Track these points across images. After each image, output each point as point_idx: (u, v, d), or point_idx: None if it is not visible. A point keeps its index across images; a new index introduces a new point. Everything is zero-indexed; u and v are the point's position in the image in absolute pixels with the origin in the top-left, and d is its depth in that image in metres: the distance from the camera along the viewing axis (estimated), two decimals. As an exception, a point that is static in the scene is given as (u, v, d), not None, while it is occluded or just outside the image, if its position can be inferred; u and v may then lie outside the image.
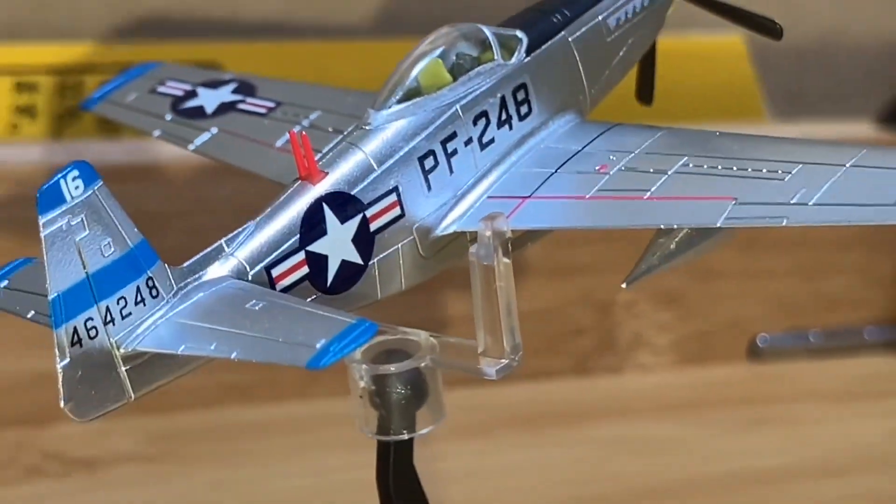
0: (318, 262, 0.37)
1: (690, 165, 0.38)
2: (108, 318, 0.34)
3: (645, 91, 0.47)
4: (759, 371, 0.71)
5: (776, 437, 0.64)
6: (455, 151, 0.39)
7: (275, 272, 0.36)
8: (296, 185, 0.37)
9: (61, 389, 0.33)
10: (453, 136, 0.39)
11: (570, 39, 0.42)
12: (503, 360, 0.37)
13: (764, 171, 0.37)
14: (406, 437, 0.39)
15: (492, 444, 0.61)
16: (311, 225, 0.36)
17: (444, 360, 0.39)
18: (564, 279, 0.68)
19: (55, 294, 0.33)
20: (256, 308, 0.35)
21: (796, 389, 0.69)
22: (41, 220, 0.32)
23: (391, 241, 0.38)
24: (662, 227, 0.38)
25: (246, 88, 0.46)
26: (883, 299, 0.71)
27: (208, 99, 0.46)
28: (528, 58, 0.41)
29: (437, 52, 0.40)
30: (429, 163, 0.39)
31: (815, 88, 0.79)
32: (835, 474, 0.60)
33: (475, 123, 0.40)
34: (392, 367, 0.38)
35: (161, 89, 0.47)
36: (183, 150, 0.45)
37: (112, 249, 0.34)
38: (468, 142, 0.39)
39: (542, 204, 0.38)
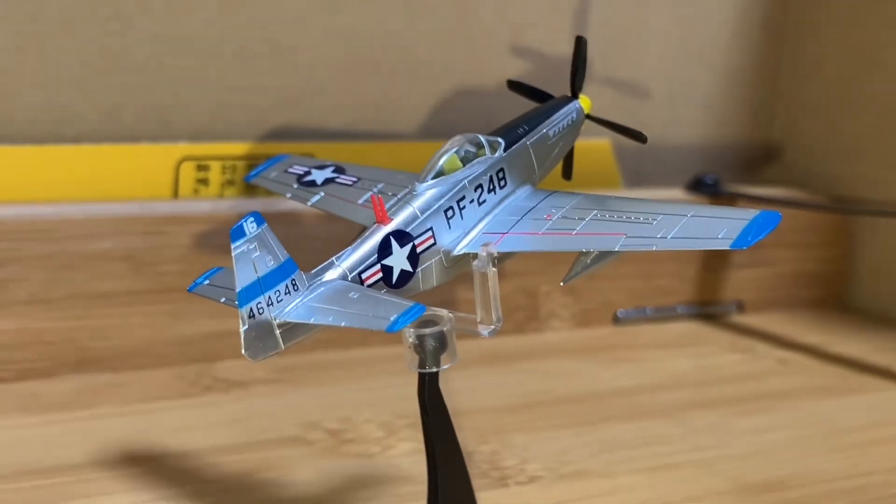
0: (387, 270, 0.45)
1: (598, 215, 0.47)
2: (270, 302, 0.41)
3: (567, 172, 0.57)
4: (619, 331, 0.86)
5: (628, 369, 0.77)
6: (464, 206, 0.48)
7: (364, 276, 0.45)
8: (374, 226, 0.46)
9: (243, 343, 0.41)
10: (463, 198, 0.48)
11: (528, 143, 0.52)
12: (492, 326, 0.47)
13: (641, 218, 0.46)
14: (435, 370, 0.47)
15: (468, 374, 0.67)
16: (384, 248, 0.45)
17: (457, 326, 0.47)
18: (510, 279, 0.81)
19: (240, 288, 0.41)
20: (354, 297, 0.43)
21: (640, 342, 0.83)
22: (233, 245, 0.40)
23: (428, 258, 0.47)
24: (583, 250, 0.48)
25: (339, 169, 0.55)
26: (689, 290, 0.89)
27: (318, 175, 0.55)
28: (505, 153, 0.50)
29: (454, 149, 0.49)
30: (449, 213, 0.48)
31: (649, 169, 0.94)
32: (662, 390, 0.73)
33: (475, 190, 0.49)
34: (427, 330, 0.46)
35: (290, 170, 0.56)
36: (304, 205, 0.54)
37: (272, 262, 0.41)
38: (471, 201, 0.49)
39: (514, 237, 0.47)
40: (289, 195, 0.54)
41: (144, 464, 0.58)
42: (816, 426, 0.68)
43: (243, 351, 0.41)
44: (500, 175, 0.50)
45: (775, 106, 0.99)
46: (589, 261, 0.49)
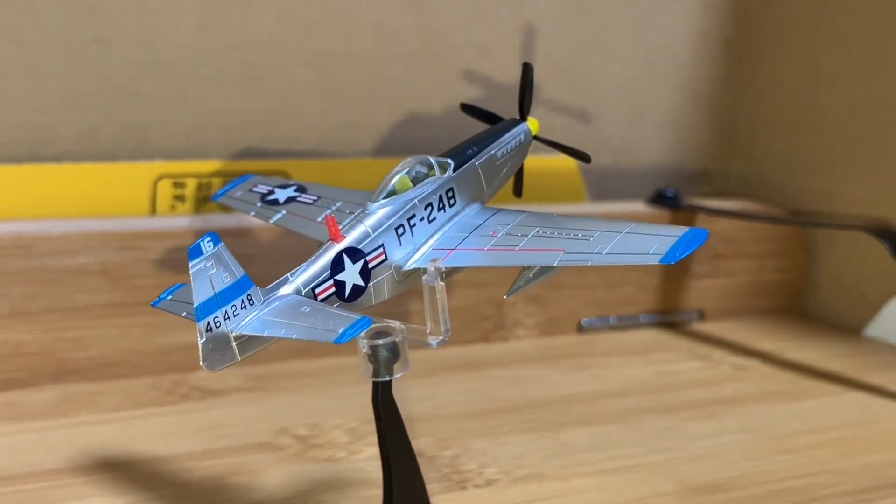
0: (340, 285, 0.47)
1: (541, 231, 0.48)
2: (226, 316, 0.43)
3: (517, 189, 0.58)
4: (583, 339, 0.87)
5: (591, 375, 0.79)
6: (414, 224, 0.50)
7: (317, 290, 0.46)
8: (328, 243, 0.47)
9: (200, 355, 0.42)
10: (413, 216, 0.50)
11: (476, 164, 0.53)
12: (441, 337, 0.48)
13: (579, 235, 0.47)
14: (388, 378, 0.48)
15: (435, 381, 0.75)
16: (336, 265, 0.47)
17: (408, 337, 0.48)
18: (478, 289, 0.83)
19: (198, 303, 0.42)
20: (306, 311, 0.44)
21: (602, 349, 0.85)
22: (190, 263, 0.42)
23: (380, 273, 0.48)
24: (525, 265, 0.49)
25: (301, 189, 0.56)
26: (650, 300, 0.91)
27: (281, 194, 0.56)
28: (454, 174, 0.52)
29: (405, 170, 0.51)
30: (400, 231, 0.49)
31: (613, 185, 0.96)
32: (622, 395, 0.74)
33: (425, 209, 0.50)
34: (380, 341, 0.47)
35: (254, 189, 0.57)
36: (266, 223, 0.56)
37: (228, 279, 0.43)
38: (422, 219, 0.50)
39: (462, 252, 0.49)
40: (252, 213, 0.56)
41: (118, 469, 0.60)
42: (765, 430, 0.70)
43: (201, 362, 0.42)
44: (450, 194, 0.51)
45: (736, 123, 1.02)
46: (532, 275, 0.51)
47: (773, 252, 0.96)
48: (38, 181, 0.73)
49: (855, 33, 0.92)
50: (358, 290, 0.47)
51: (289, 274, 0.46)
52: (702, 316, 0.93)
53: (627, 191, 0.96)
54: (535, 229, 0.49)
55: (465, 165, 0.52)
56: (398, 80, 0.86)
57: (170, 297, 0.47)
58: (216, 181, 0.79)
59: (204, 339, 0.42)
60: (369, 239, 0.48)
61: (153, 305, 0.47)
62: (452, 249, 0.49)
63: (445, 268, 0.48)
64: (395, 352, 0.47)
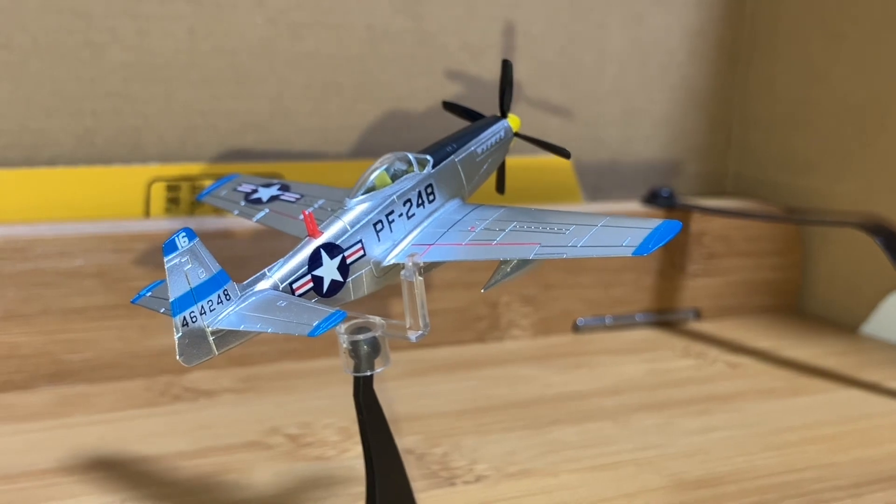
0: (318, 281, 0.47)
1: (518, 226, 0.48)
2: (202, 311, 0.43)
3: (500, 186, 0.58)
4: (578, 339, 0.87)
5: (586, 374, 0.78)
6: (393, 220, 0.49)
7: (295, 286, 0.46)
8: (306, 239, 0.47)
9: (177, 349, 0.42)
10: (392, 212, 0.49)
11: (456, 160, 0.53)
12: (420, 331, 0.48)
13: (555, 228, 0.47)
14: (369, 373, 0.48)
15: (427, 381, 0.75)
16: (314, 260, 0.47)
17: (388, 332, 0.48)
18: (472, 290, 0.83)
19: (173, 298, 0.42)
20: (282, 305, 0.44)
21: (597, 349, 0.84)
22: (165, 258, 0.42)
23: (358, 268, 0.48)
24: (502, 259, 0.50)
25: (284, 187, 0.56)
26: (646, 299, 0.90)
27: (264, 193, 0.56)
28: (434, 170, 0.52)
29: (384, 166, 0.51)
30: (378, 226, 0.49)
31: (608, 184, 0.96)
32: (616, 393, 0.74)
33: (404, 205, 0.50)
34: (361, 336, 0.47)
35: (238, 188, 0.58)
36: (249, 221, 0.56)
37: (204, 274, 0.43)
38: (400, 215, 0.50)
39: (440, 247, 0.49)
40: (236, 212, 0.56)
41: (110, 468, 0.60)
42: (757, 426, 0.69)
43: (178, 357, 0.43)
44: (429, 190, 0.51)
45: (730, 122, 1.01)
46: (509, 269, 0.51)
47: (768, 250, 0.95)
48: (32, 185, 0.74)
49: (847, 32, 0.91)
50: (336, 286, 0.47)
51: (266, 269, 0.46)
52: (698, 315, 0.93)
53: (623, 190, 0.96)
54: (512, 223, 0.49)
55: (445, 162, 0.53)
56: (391, 82, 0.86)
57: (149, 293, 0.47)
58: (209, 184, 0.77)
59: (180, 334, 0.42)
60: (347, 235, 0.48)
61: (133, 302, 0.47)
62: (430, 245, 0.49)
63: (424, 263, 0.48)
64: (375, 347, 0.47)
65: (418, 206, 0.51)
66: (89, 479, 0.58)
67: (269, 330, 0.42)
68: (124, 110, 0.77)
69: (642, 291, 0.91)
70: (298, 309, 0.43)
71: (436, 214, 0.51)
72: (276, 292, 0.45)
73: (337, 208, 0.49)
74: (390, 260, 0.49)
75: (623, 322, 0.90)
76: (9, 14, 0.73)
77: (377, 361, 0.48)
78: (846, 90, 0.92)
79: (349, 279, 0.48)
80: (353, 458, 0.61)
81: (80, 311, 0.71)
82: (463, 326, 0.83)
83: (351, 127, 0.85)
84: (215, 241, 0.65)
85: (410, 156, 0.51)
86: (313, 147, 0.84)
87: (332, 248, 0.47)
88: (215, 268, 0.43)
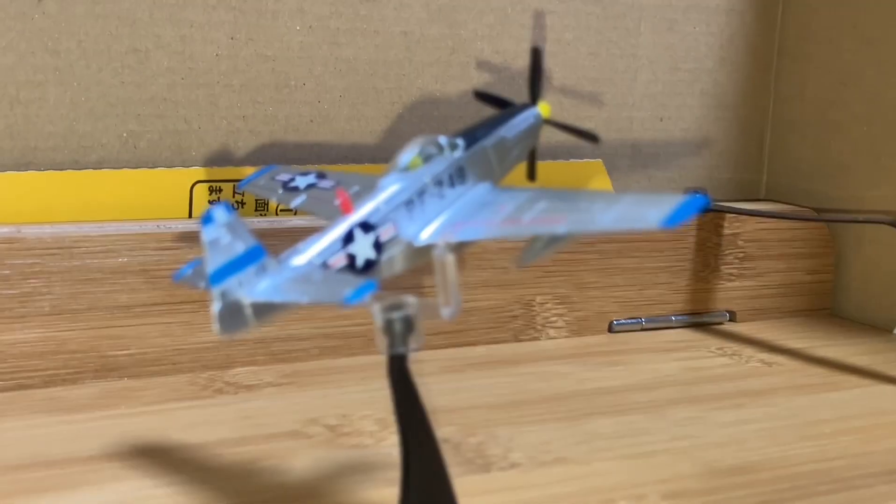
0: (352, 258, 0.48)
1: (546, 205, 0.49)
2: (240, 283, 0.43)
3: (531, 173, 0.60)
4: (614, 339, 0.87)
5: (621, 371, 0.79)
6: (425, 200, 0.51)
7: (329, 262, 0.47)
8: (340, 217, 0.48)
9: (216, 320, 0.42)
10: (424, 192, 0.51)
11: (486, 145, 0.55)
12: (452, 308, 0.49)
13: (582, 206, 0.49)
14: (403, 352, 0.47)
15: (463, 376, 0.76)
16: (348, 237, 0.48)
17: (421, 310, 0.47)
18: (507, 289, 0.84)
19: (212, 270, 0.43)
20: (317, 278, 0.45)
21: (632, 348, 0.85)
22: (203, 230, 0.42)
23: (391, 247, 0.49)
24: (533, 235, 0.51)
25: (321, 175, 0.59)
26: (681, 301, 0.90)
27: (301, 181, 0.59)
28: (465, 153, 0.53)
29: (417, 149, 0.52)
30: (411, 206, 0.50)
31: (641, 189, 0.96)
32: (651, 388, 0.75)
33: (436, 186, 0.51)
34: (395, 314, 0.47)
35: (277, 178, 0.60)
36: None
37: (242, 247, 0.43)
38: (432, 195, 0.51)
39: (472, 226, 0.50)
40: (275, 199, 0.58)
41: (153, 455, 0.60)
42: (791, 419, 0.69)
43: (214, 327, 0.43)
44: (460, 172, 0.52)
45: (762, 126, 1.01)
46: (540, 245, 0.51)
47: (801, 253, 0.95)
48: (79, 186, 0.75)
49: (879, 36, 0.91)
50: (370, 263, 0.48)
51: (299, 244, 0.47)
52: (732, 317, 0.93)
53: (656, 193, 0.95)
54: (541, 203, 0.49)
55: (476, 145, 0.54)
56: (426, 87, 0.86)
57: (190, 271, 0.48)
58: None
59: (220, 305, 0.43)
60: (381, 214, 0.49)
61: (174, 280, 0.48)
62: (462, 223, 0.50)
63: (456, 242, 0.49)
64: (409, 324, 0.47)
65: (450, 187, 0.51)
66: (132, 464, 0.59)
67: (304, 300, 0.43)
68: (168, 114, 0.78)
69: (677, 293, 0.91)
70: (331, 280, 0.45)
71: (467, 196, 0.52)
72: (312, 267, 0.46)
73: (371, 190, 0.50)
74: (423, 238, 0.49)
75: (658, 324, 0.90)
76: (56, 20, 0.74)
77: (411, 339, 0.47)
78: (878, 94, 0.91)
79: (382, 257, 0.48)
80: (390, 446, 0.61)
81: (126, 308, 0.72)
82: (498, 326, 0.84)
83: (388, 131, 0.85)
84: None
85: (441, 139, 0.52)
86: (351, 151, 0.85)
87: (366, 227, 0.48)
88: (252, 242, 0.44)
